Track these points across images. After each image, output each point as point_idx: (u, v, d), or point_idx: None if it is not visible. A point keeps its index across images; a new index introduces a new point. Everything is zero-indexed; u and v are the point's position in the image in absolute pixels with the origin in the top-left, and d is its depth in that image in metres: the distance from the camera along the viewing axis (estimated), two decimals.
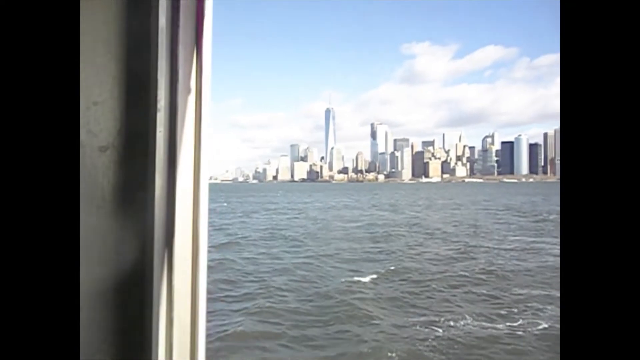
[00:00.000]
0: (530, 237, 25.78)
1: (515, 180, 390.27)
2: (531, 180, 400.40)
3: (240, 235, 27.10)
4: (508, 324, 10.57)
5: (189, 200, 1.28)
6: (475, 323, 10.65)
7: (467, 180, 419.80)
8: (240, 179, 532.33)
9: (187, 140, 1.28)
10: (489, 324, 10.55)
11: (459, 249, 21.29)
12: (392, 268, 16.58)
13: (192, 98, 1.29)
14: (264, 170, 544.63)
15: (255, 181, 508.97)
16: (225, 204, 65.43)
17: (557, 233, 26.08)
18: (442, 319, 10.82)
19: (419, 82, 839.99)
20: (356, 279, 14.92)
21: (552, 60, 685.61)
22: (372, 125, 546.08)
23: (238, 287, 14.21)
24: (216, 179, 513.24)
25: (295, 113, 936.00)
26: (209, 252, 1.26)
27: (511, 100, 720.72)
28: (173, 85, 1.23)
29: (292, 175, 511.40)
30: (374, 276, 15.32)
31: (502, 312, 11.45)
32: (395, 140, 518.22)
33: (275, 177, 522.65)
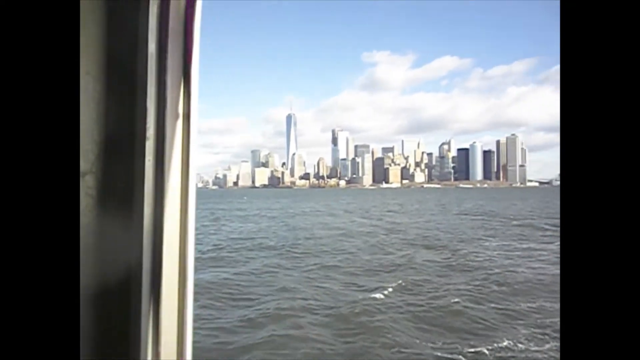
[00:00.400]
0: (518, 243, 25.69)
1: (471, 186, 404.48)
2: (485, 185, 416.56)
3: (220, 247, 25.14)
4: None
5: (176, 224, 1.33)
6: None
7: (425, 185, 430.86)
8: (200, 185, 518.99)
9: (175, 166, 1.30)
10: None
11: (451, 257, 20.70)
12: (401, 283, 15.54)
13: (180, 124, 1.30)
14: (224, 176, 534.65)
15: (215, 187, 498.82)
16: None
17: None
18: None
19: (379, 90, 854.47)
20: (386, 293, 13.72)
21: (503, 71, 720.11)
22: (333, 131, 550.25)
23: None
24: None
25: (256, 118, 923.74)
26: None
27: (466, 108, 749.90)
28: (161, 112, 1.25)
29: (253, 181, 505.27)
30: (391, 290, 14.24)
31: None
32: (356, 147, 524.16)
33: (235, 183, 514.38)
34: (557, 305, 12.28)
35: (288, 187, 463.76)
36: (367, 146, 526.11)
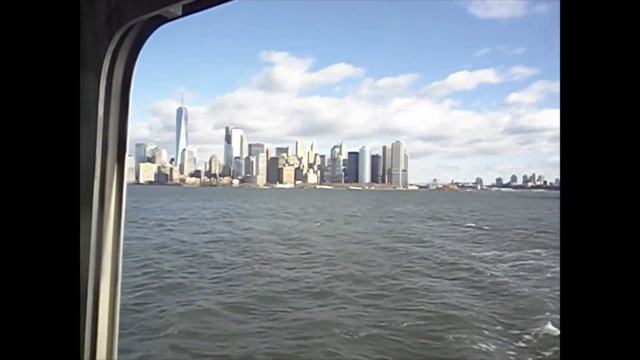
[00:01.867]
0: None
1: (360, 188, 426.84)
2: (373, 188, 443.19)
3: (158, 269, 18.37)
4: None
5: (111, 241, 1.74)
6: None
7: (318, 187, 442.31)
8: None
9: (115, 197, 1.77)
10: None
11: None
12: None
13: (116, 165, 1.78)
14: None
15: None
16: None
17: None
18: None
19: (275, 91, 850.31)
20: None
21: (391, 82, 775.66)
22: (227, 128, 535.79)
23: None
24: None
25: (141, 110, 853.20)
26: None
27: (356, 115, 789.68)
28: (104, 155, 1.72)
29: (137, 177, 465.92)
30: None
31: None
32: (250, 146, 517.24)
33: None
34: None
35: (177, 184, 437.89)
36: (262, 145, 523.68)
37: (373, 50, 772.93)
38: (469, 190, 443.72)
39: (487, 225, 43.15)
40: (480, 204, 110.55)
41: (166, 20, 1.68)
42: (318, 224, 43.50)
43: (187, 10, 1.62)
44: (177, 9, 1.57)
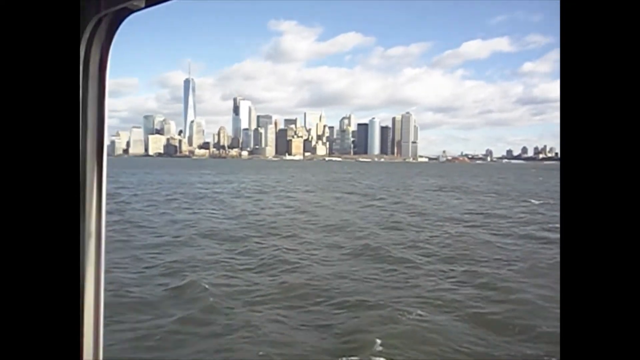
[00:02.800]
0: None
1: (369, 160, 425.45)
2: (382, 160, 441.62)
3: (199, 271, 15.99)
4: None
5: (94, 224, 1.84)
6: None
7: (327, 159, 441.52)
8: None
9: (95, 184, 1.86)
10: None
11: None
12: None
13: (96, 151, 1.88)
14: (112, 142, 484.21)
15: None
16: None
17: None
18: None
19: (284, 61, 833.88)
20: None
21: (402, 51, 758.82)
22: (235, 100, 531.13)
23: None
24: None
25: (149, 81, 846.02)
26: None
27: (366, 85, 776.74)
28: (84, 139, 1.81)
29: (146, 149, 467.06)
30: None
31: None
32: (258, 117, 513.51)
33: (125, 151, 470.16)
34: None
35: (186, 156, 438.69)
36: (270, 117, 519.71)
37: (385, 18, 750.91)
38: (478, 162, 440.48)
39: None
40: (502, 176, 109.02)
41: (132, 11, 1.78)
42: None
43: (150, 3, 1.71)
44: (140, 1, 1.67)
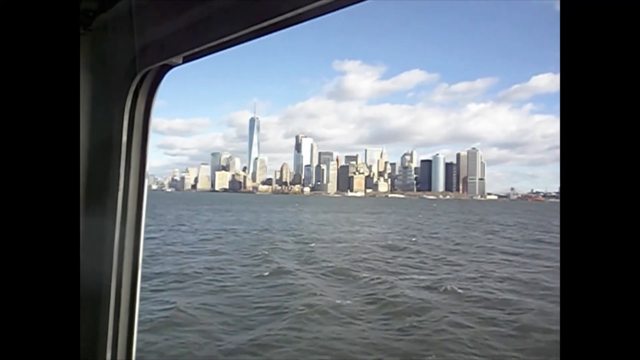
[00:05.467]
0: None
1: (434, 197, 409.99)
2: (448, 197, 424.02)
3: None
4: None
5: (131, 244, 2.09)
6: None
7: (389, 195, 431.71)
8: (154, 187, 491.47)
9: (135, 208, 2.13)
10: None
11: None
12: None
13: (138, 181, 2.13)
14: (182, 178, 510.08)
15: (171, 190, 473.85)
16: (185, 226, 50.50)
17: None
18: None
19: (346, 99, 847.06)
20: None
21: (466, 87, 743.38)
22: (297, 137, 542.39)
23: None
24: None
25: (218, 120, 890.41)
26: None
27: (427, 121, 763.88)
28: (127, 172, 2.08)
29: (213, 185, 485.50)
30: None
31: None
32: (320, 154, 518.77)
33: (194, 186, 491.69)
34: None
35: (250, 192, 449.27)
36: (331, 154, 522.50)
37: (450, 55, 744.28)
38: (551, 200, 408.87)
39: None
40: None
41: (171, 67, 2.05)
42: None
43: (186, 59, 1.96)
44: (178, 59, 1.93)
